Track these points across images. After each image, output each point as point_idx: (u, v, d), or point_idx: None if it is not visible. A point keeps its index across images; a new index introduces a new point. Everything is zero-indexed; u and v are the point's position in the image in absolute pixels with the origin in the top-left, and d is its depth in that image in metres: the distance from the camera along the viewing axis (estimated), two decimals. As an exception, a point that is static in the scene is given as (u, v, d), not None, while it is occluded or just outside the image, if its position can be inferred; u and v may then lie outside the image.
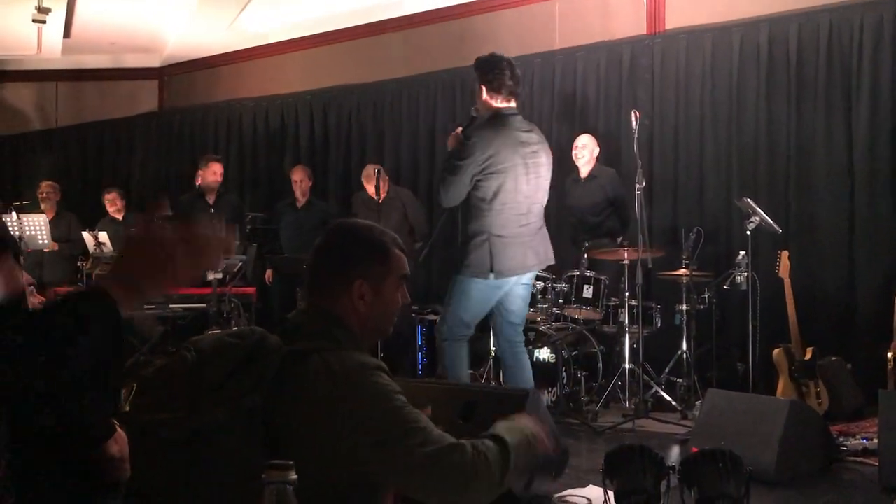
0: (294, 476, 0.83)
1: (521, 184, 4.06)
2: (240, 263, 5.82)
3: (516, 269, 4.09)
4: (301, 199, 7.37)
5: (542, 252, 4.24)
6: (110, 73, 9.83)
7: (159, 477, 1.46)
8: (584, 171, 6.37)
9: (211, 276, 5.49)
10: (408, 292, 1.83)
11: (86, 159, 10.04)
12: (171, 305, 5.87)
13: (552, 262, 4.43)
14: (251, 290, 6.22)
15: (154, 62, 9.69)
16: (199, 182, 7.07)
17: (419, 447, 1.49)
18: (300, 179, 7.35)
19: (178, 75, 9.78)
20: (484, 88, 4.09)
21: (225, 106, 9.21)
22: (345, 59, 8.42)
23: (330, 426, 1.51)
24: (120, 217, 7.80)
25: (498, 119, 4.07)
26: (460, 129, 4.15)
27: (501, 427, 1.65)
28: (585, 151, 6.32)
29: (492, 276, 4.03)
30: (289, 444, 1.50)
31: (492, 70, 4.06)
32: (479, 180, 4.00)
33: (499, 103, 4.08)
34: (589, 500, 1.09)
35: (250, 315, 5.97)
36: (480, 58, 4.17)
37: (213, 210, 6.78)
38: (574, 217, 6.42)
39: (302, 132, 8.66)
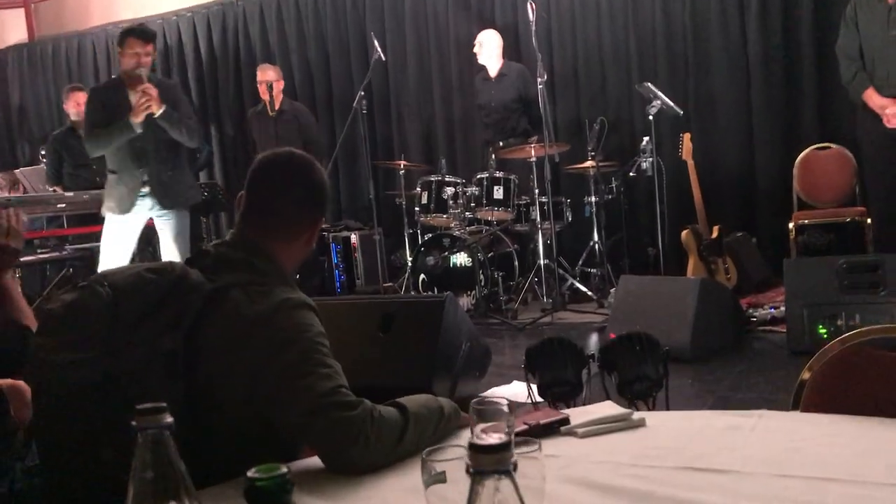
0: (169, 420, 0.73)
1: None
2: None
3: None
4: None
5: None
6: (-31, 4, 9.08)
7: (67, 424, 1.33)
8: (493, 69, 6.20)
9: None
10: None
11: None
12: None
13: None
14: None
15: (16, -12, 8.97)
16: (68, 117, 6.44)
17: (320, 390, 1.34)
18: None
19: (46, 1, 9.08)
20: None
21: (101, 31, 8.61)
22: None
23: (246, 365, 1.38)
24: None
25: None
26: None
27: (414, 399, 1.45)
28: (487, 49, 6.09)
29: None
30: (209, 390, 1.38)
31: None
32: None
33: None
34: (507, 399, 1.04)
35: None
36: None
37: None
38: (488, 118, 6.26)
39: (187, 53, 8.20)
